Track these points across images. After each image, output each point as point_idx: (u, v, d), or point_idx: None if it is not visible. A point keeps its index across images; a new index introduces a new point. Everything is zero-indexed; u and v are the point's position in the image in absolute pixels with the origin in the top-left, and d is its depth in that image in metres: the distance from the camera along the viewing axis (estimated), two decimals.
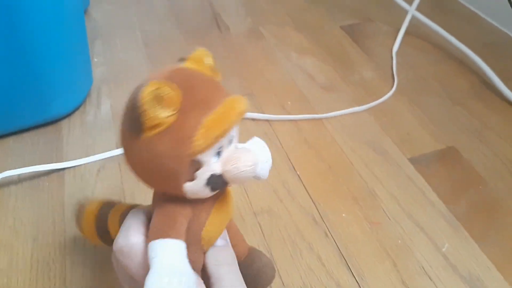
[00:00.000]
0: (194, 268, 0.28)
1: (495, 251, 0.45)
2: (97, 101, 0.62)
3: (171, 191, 0.28)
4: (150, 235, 0.28)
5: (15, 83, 0.52)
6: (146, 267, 0.27)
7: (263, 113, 0.61)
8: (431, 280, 0.42)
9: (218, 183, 0.28)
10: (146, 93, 0.25)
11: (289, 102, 0.64)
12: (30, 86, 0.53)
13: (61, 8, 0.52)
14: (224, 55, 0.72)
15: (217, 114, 0.26)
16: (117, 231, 0.31)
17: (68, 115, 0.59)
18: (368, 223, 0.48)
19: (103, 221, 0.36)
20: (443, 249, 0.45)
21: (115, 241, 0.29)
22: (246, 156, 0.28)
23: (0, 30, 0.47)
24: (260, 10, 0.84)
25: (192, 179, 0.27)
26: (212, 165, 0.27)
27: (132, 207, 0.34)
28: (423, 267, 0.43)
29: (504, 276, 0.43)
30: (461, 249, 0.45)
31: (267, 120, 0.60)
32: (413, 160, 0.55)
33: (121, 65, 0.69)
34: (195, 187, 0.27)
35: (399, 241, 0.46)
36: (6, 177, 0.49)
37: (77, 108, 0.61)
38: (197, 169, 0.27)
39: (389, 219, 0.48)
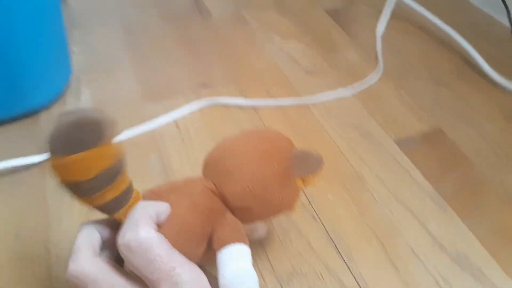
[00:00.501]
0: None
1: (481, 229, 0.45)
2: (76, 92, 0.61)
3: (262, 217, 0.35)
4: (225, 239, 0.30)
5: None
6: (154, 264, 0.27)
7: (249, 99, 0.60)
8: (419, 259, 0.42)
9: None
10: None
11: (274, 88, 0.63)
12: (5, 77, 0.51)
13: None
14: (206, 41, 0.71)
15: None
16: (105, 201, 0.29)
17: (47, 106, 0.58)
18: (356, 206, 0.47)
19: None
20: (431, 229, 0.45)
21: (121, 234, 0.28)
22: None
23: None
24: None
25: None
26: None
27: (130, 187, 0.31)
28: (411, 248, 0.43)
29: (490, 253, 0.43)
30: (448, 228, 0.45)
31: (253, 107, 0.59)
32: (399, 143, 0.55)
33: (101, 54, 0.67)
34: None
35: (387, 223, 0.46)
36: None
37: (56, 100, 0.59)
38: None
39: (377, 201, 0.48)
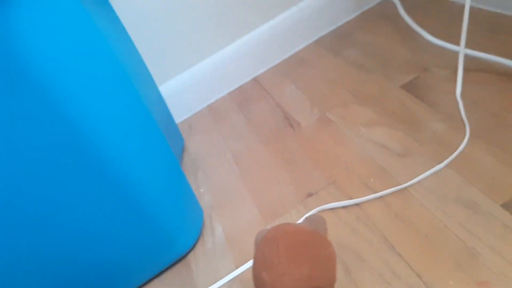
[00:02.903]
0: None
1: None
2: (211, 229, 0.74)
3: None
4: None
5: (142, 241, 0.64)
6: None
7: (351, 198, 0.67)
8: None
9: None
10: None
11: (372, 179, 0.69)
12: (154, 237, 0.65)
13: (160, 162, 0.65)
14: (301, 151, 0.80)
15: None
16: None
17: (192, 247, 0.71)
18: (477, 285, 0.50)
19: None
20: None
21: None
22: None
23: (112, 201, 0.60)
24: (322, 96, 0.92)
25: None
26: None
27: None
28: None
29: None
30: None
31: (356, 204, 0.66)
32: (506, 206, 0.56)
33: (222, 188, 0.81)
34: None
35: None
36: None
37: (197, 240, 0.72)
38: None
39: (496, 275, 0.50)
